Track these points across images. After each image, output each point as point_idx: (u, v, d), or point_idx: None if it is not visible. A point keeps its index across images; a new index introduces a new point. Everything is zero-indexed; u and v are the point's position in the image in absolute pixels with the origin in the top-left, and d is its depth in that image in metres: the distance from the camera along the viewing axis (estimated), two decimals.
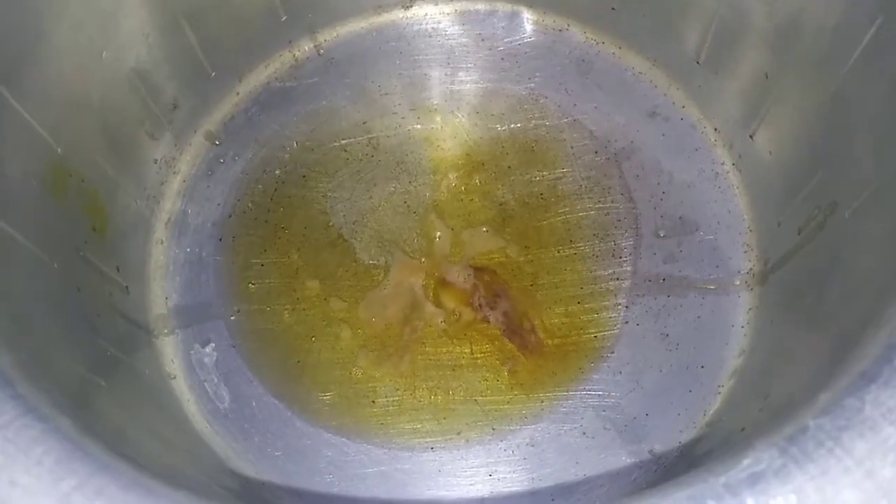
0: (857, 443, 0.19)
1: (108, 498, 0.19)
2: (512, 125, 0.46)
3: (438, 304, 0.41)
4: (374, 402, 0.39)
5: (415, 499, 0.37)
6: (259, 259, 0.43)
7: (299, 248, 0.43)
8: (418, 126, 0.46)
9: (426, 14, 0.48)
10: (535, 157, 0.45)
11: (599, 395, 0.39)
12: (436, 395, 0.40)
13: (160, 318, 0.41)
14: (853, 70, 0.32)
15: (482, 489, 0.38)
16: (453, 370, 0.40)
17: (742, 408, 0.36)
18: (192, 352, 0.40)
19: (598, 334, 0.40)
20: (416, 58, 0.47)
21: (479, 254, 0.43)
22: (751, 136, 0.42)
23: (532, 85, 0.46)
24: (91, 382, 0.28)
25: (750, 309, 0.40)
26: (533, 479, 0.38)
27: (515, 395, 0.39)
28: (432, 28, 0.48)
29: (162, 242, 0.43)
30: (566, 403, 0.39)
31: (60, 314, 0.30)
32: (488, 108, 0.46)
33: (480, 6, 0.48)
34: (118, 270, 0.38)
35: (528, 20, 0.48)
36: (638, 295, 0.41)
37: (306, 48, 0.48)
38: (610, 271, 0.42)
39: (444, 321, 0.41)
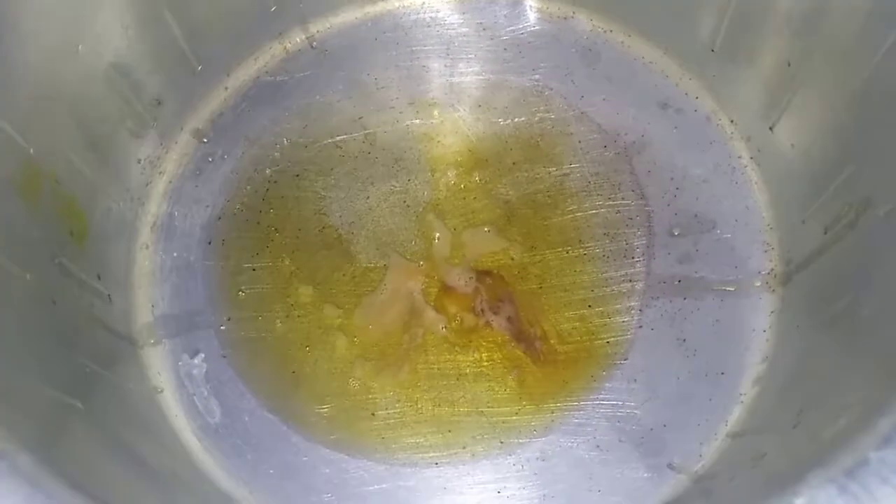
0: None
1: None
2: (516, 119, 0.44)
3: (439, 309, 0.39)
4: (374, 414, 0.38)
5: None
6: (250, 263, 0.41)
7: (293, 251, 0.41)
8: (417, 121, 0.44)
9: (424, 2, 0.46)
10: (540, 153, 0.43)
11: (613, 404, 0.37)
12: (439, 406, 0.38)
13: (145, 328, 0.39)
14: (888, 56, 0.30)
15: None
16: (457, 380, 0.38)
17: (769, 418, 0.34)
18: (180, 363, 0.39)
19: (611, 340, 0.39)
20: (414, 49, 0.45)
21: (481, 255, 0.41)
22: (771, 128, 0.39)
23: (536, 76, 0.44)
24: (65, 406, 0.26)
25: (772, 312, 0.38)
26: (544, 496, 0.36)
27: (524, 405, 0.37)
28: (431, 17, 0.46)
29: (147, 247, 0.41)
30: (578, 414, 0.37)
31: (32, 331, 0.28)
32: (490, 102, 0.44)
33: None
34: (99, 278, 0.36)
35: (532, 8, 0.46)
36: (652, 298, 0.39)
37: (298, 40, 0.46)
38: (622, 273, 0.40)
39: (446, 327, 0.39)
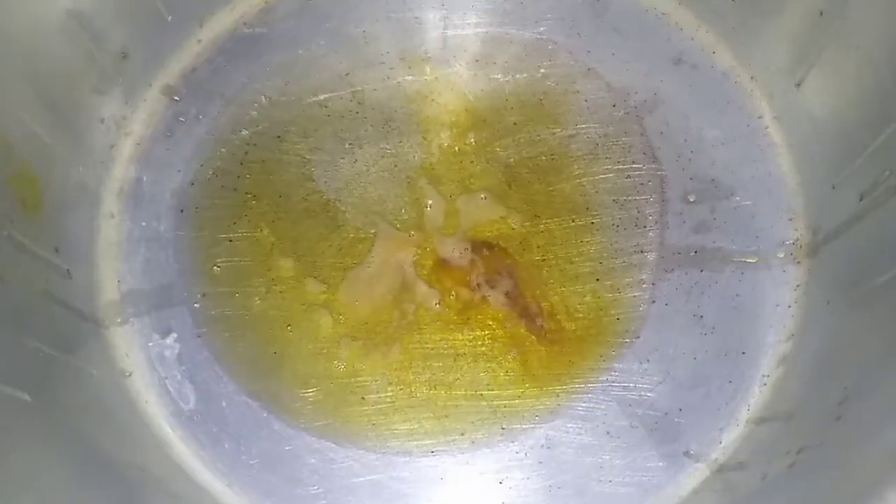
0: None
1: None
2: (517, 76, 0.41)
3: (431, 283, 0.37)
4: (363, 398, 0.36)
5: None
6: (227, 234, 0.38)
7: (273, 220, 0.39)
8: (409, 78, 0.41)
9: None
10: (543, 113, 0.41)
11: (624, 387, 0.36)
12: (435, 389, 0.36)
13: (111, 306, 0.36)
14: None
15: (492, 500, 0.34)
16: (454, 360, 0.36)
17: (801, 405, 0.31)
18: (150, 344, 0.37)
19: (621, 316, 0.37)
20: None
21: (478, 225, 0.39)
22: (797, 86, 0.37)
23: (540, 29, 0.42)
24: (9, 400, 0.23)
25: (798, 286, 0.36)
26: (550, 486, 0.34)
27: (527, 388, 0.36)
28: None
29: (112, 216, 0.38)
30: (586, 398, 0.36)
31: None
32: (489, 57, 0.42)
33: None
34: (56, 252, 0.34)
35: None
36: (666, 270, 0.38)
37: None
38: (633, 243, 0.38)
39: (440, 303, 0.37)
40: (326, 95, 0.41)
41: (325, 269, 0.38)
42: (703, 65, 0.41)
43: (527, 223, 0.38)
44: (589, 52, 0.41)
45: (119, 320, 0.36)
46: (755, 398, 0.34)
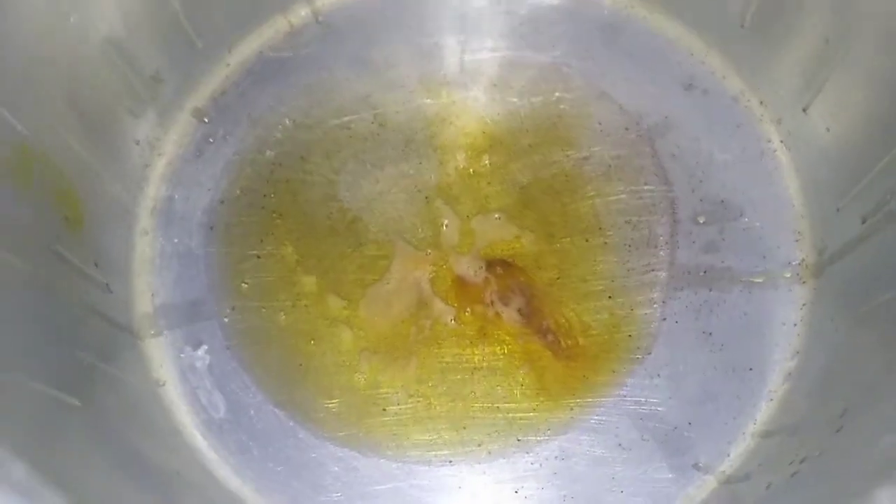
0: None
1: None
2: (532, 99, 0.42)
3: (447, 300, 0.38)
4: (384, 410, 0.36)
5: None
6: (254, 250, 0.39)
7: (297, 238, 0.40)
8: (428, 101, 0.42)
9: None
10: (558, 135, 0.41)
11: (636, 401, 0.36)
12: (453, 402, 0.37)
13: (146, 318, 0.37)
14: None
15: None
16: (471, 374, 0.37)
17: (804, 418, 0.32)
18: (182, 355, 0.37)
19: (633, 333, 0.37)
20: (426, 24, 0.44)
21: (492, 244, 0.39)
22: (804, 110, 0.38)
23: (555, 54, 0.43)
24: (62, 405, 0.25)
25: (804, 305, 0.37)
26: (564, 496, 0.35)
27: (541, 401, 0.36)
28: None
29: (146, 233, 0.39)
30: (599, 411, 0.36)
31: (24, 324, 0.26)
32: (506, 81, 0.43)
33: None
34: (97, 266, 0.35)
35: None
36: (676, 289, 0.38)
37: (303, 13, 0.44)
38: (644, 262, 0.39)
39: (455, 319, 0.38)
40: (349, 118, 0.42)
41: (347, 285, 0.38)
42: (714, 89, 0.41)
43: (541, 242, 0.39)
44: (602, 76, 0.42)
45: (153, 332, 0.37)
46: (761, 413, 0.35)
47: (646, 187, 0.40)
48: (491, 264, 0.38)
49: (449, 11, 0.44)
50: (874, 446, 0.22)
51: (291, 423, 0.36)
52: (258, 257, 0.39)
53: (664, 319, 0.37)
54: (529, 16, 0.43)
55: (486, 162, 0.41)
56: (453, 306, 0.38)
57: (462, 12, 0.43)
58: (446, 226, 0.39)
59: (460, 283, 0.38)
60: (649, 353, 0.37)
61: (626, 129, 0.41)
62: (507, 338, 0.37)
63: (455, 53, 0.43)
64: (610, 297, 0.38)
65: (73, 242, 0.33)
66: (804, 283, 0.37)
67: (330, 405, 0.36)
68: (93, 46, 0.34)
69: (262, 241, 0.39)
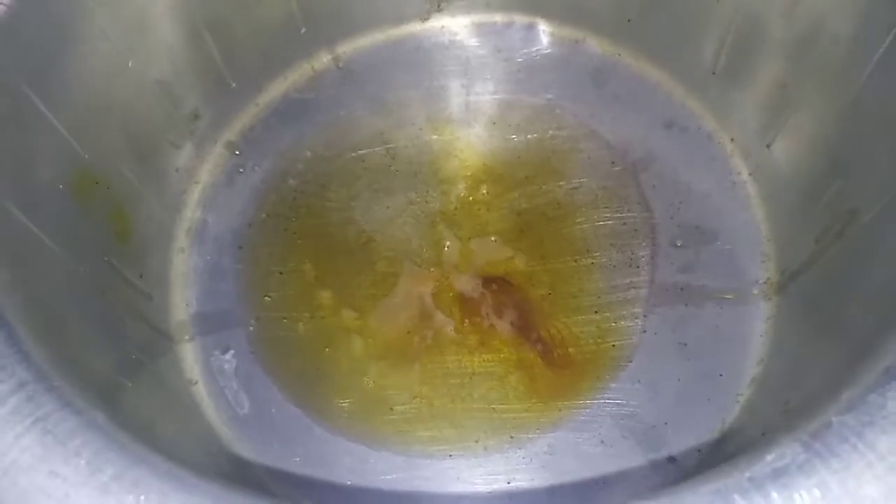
0: (880, 438, 0.19)
1: (144, 488, 0.19)
2: (528, 136, 0.46)
3: (447, 313, 0.42)
4: (392, 409, 0.39)
5: None
6: (277, 268, 0.43)
7: (316, 257, 0.43)
8: (435, 137, 0.46)
9: (443, 26, 0.49)
10: (551, 168, 0.45)
11: (618, 404, 0.39)
12: (454, 402, 0.40)
13: (181, 325, 0.41)
14: (872, 77, 0.32)
15: (501, 497, 0.38)
16: (470, 378, 0.40)
17: (762, 415, 0.36)
18: (212, 358, 0.41)
19: (617, 344, 0.40)
20: (434, 69, 0.48)
21: (488, 263, 0.43)
22: (768, 146, 0.42)
23: (549, 96, 0.47)
24: (118, 383, 0.29)
25: (768, 318, 0.40)
26: (552, 487, 0.38)
27: (533, 403, 0.39)
28: (449, 40, 0.49)
29: (183, 251, 0.43)
30: (585, 412, 0.39)
31: (88, 317, 0.31)
32: (505, 119, 0.47)
33: (497, 18, 0.49)
34: (141, 277, 0.39)
35: (545, 32, 0.49)
36: (655, 304, 0.41)
37: (325, 60, 0.48)
38: (627, 281, 0.42)
39: (455, 330, 0.41)
40: (364, 151, 0.46)
41: (359, 299, 0.42)
42: (691, 128, 0.45)
43: (534, 262, 0.42)
44: (591, 116, 0.46)
45: (187, 337, 0.40)
46: (730, 414, 0.38)
47: (629, 214, 0.43)
48: (487, 281, 0.42)
49: (454, 59, 0.48)
50: (791, 412, 0.25)
51: (308, 420, 0.39)
52: (281, 273, 0.43)
53: (644, 331, 0.40)
54: (525, 62, 0.48)
55: (485, 191, 0.45)
56: (453, 318, 0.41)
57: (466, 59, 0.48)
58: (448, 247, 0.43)
59: (460, 298, 0.42)
60: (630, 362, 0.40)
61: (613, 162, 0.45)
62: (502, 347, 0.40)
63: (459, 95, 0.47)
64: (596, 311, 0.41)
65: (122, 255, 0.37)
66: (769, 299, 0.40)
67: (343, 404, 0.39)
68: (145, 87, 0.39)
69: (284, 259, 0.43)
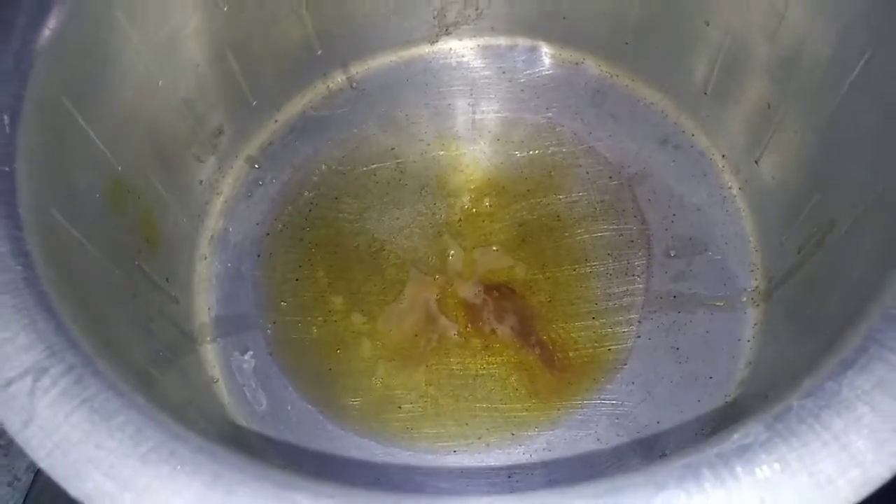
0: (834, 420, 0.22)
1: (179, 459, 0.22)
2: (531, 152, 0.49)
3: (451, 318, 0.44)
4: (400, 408, 0.42)
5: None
6: (294, 274, 0.46)
7: (329, 265, 0.46)
8: (443, 152, 0.49)
9: (451, 48, 0.52)
10: (552, 182, 0.48)
11: (613, 404, 0.41)
12: (458, 402, 0.42)
13: (203, 327, 0.44)
14: (847, 97, 0.35)
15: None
16: (473, 379, 0.42)
17: (748, 414, 0.38)
18: (232, 359, 0.43)
19: (613, 348, 0.43)
20: (442, 89, 0.51)
21: (489, 271, 0.45)
22: (756, 162, 0.44)
23: (550, 114, 0.50)
24: (150, 374, 0.31)
25: (755, 324, 0.42)
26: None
27: (533, 403, 0.42)
28: (456, 62, 0.52)
29: (205, 258, 0.46)
30: (582, 412, 0.41)
31: (124, 314, 0.33)
32: (509, 136, 0.49)
33: (502, 41, 0.52)
34: (168, 281, 0.41)
35: (547, 54, 0.51)
36: (650, 311, 0.43)
37: (339, 80, 0.51)
38: (623, 289, 0.44)
39: (458, 334, 0.43)
40: (375, 166, 0.49)
41: (368, 304, 0.44)
42: (684, 145, 0.48)
43: (535, 271, 0.45)
44: (590, 133, 0.49)
45: (209, 339, 0.43)
46: (719, 413, 0.40)
47: (626, 226, 0.46)
48: (489, 288, 0.44)
49: (461, 79, 0.51)
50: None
51: (321, 417, 0.41)
52: (296, 280, 0.45)
53: (639, 336, 0.43)
54: (528, 83, 0.51)
55: (488, 203, 0.47)
56: (457, 323, 0.44)
57: (472, 80, 0.51)
58: (452, 256, 0.45)
59: (463, 303, 0.44)
60: (626, 365, 0.42)
61: (610, 177, 0.47)
62: (504, 350, 0.43)
63: (465, 114, 0.50)
64: (594, 317, 0.43)
65: (151, 259, 0.40)
66: (757, 305, 0.43)
67: (354, 403, 0.42)
68: (173, 105, 0.42)
69: (300, 266, 0.46)
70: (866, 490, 0.21)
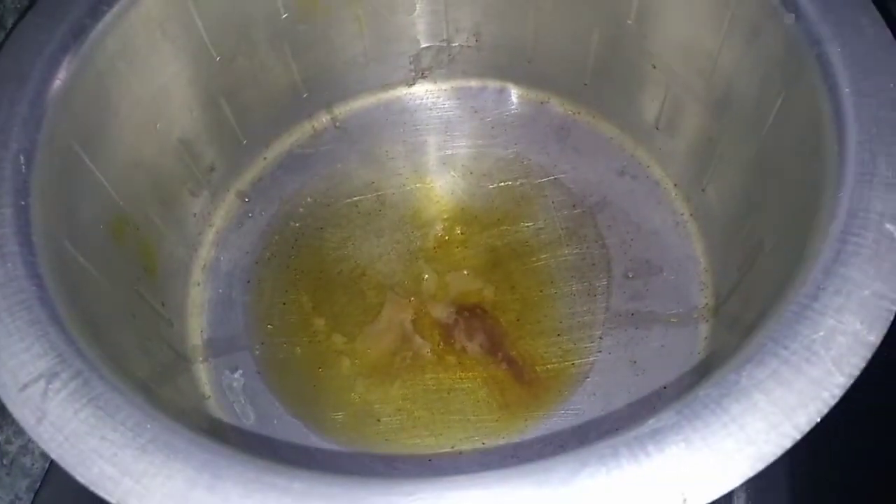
0: (733, 405, 0.25)
1: (173, 448, 0.25)
2: (500, 183, 0.52)
3: (424, 336, 0.47)
4: (379, 421, 0.44)
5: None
6: (280, 299, 0.49)
7: (313, 290, 0.49)
8: (419, 185, 0.53)
9: (426, 90, 0.56)
10: (520, 211, 0.51)
11: (576, 414, 0.44)
12: (433, 414, 0.45)
13: (196, 348, 0.47)
14: (769, 132, 0.39)
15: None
16: (447, 393, 0.45)
17: None
18: (222, 377, 0.46)
19: (577, 362, 0.45)
20: (418, 127, 0.55)
21: (461, 294, 0.48)
22: (703, 190, 0.48)
23: (518, 149, 0.53)
24: (149, 387, 0.35)
25: (706, 337, 0.45)
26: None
27: (502, 414, 0.44)
28: (431, 102, 0.56)
29: (198, 284, 0.49)
30: (547, 422, 0.44)
31: (124, 333, 0.37)
32: (479, 169, 0.53)
33: (473, 83, 0.56)
34: (164, 305, 0.45)
35: (514, 94, 0.55)
36: (610, 328, 0.46)
37: (324, 120, 0.55)
38: (586, 308, 0.47)
39: (431, 351, 0.46)
40: (357, 198, 0.52)
41: (349, 325, 0.47)
42: (640, 175, 0.51)
43: (504, 293, 0.48)
44: (554, 166, 0.52)
45: (201, 359, 0.46)
46: None
47: (588, 250, 0.49)
48: (461, 309, 0.48)
49: (436, 118, 0.55)
50: None
51: (306, 430, 0.44)
52: (283, 304, 0.48)
53: (600, 351, 0.45)
54: (497, 121, 0.54)
55: (459, 231, 0.50)
56: (430, 342, 0.47)
57: (446, 118, 0.55)
58: (426, 280, 0.49)
59: (436, 323, 0.47)
60: (588, 378, 0.45)
61: (574, 206, 0.51)
62: (475, 365, 0.46)
63: (440, 149, 0.54)
64: (559, 334, 0.46)
65: (149, 285, 0.43)
66: (707, 321, 0.46)
67: (336, 417, 0.44)
68: (170, 146, 0.46)
69: (286, 291, 0.49)
70: (760, 465, 0.24)
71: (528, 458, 0.42)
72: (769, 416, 0.25)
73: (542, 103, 0.55)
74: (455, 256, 0.50)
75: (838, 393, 0.25)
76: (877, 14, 0.34)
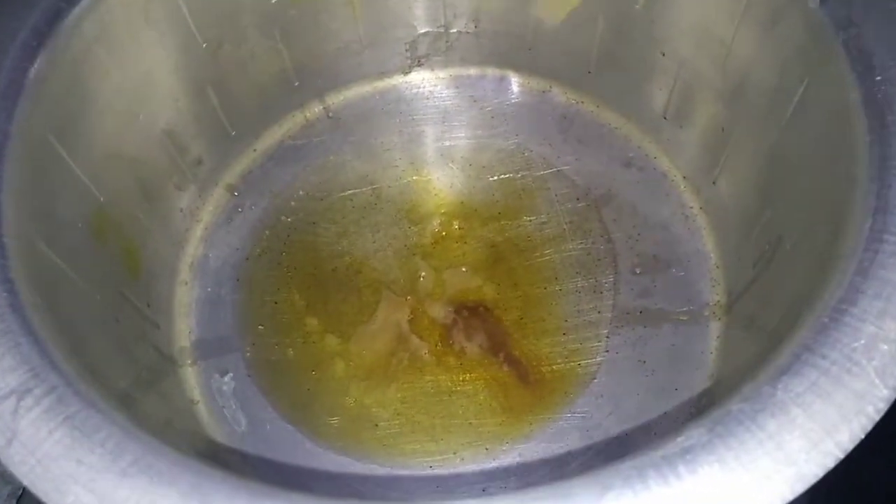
0: (769, 421, 0.23)
1: (157, 471, 0.23)
2: (501, 176, 0.50)
3: (422, 337, 0.45)
4: (376, 426, 0.43)
5: None
6: (272, 298, 0.47)
7: (307, 288, 0.47)
8: (416, 177, 0.51)
9: (423, 78, 0.54)
10: (522, 204, 0.49)
11: (583, 417, 0.42)
12: (433, 419, 0.43)
13: (183, 351, 0.45)
14: (790, 122, 0.37)
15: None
16: (448, 396, 0.44)
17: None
18: (212, 381, 0.44)
19: (583, 362, 0.44)
20: (415, 117, 0.53)
21: (459, 292, 0.46)
22: (714, 183, 0.46)
23: (519, 140, 0.51)
24: (131, 396, 0.33)
25: (718, 336, 0.44)
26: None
27: (505, 417, 0.43)
28: (429, 91, 0.54)
29: (186, 283, 0.47)
30: (553, 425, 0.42)
31: (105, 339, 0.35)
32: (479, 161, 0.51)
33: (472, 71, 0.54)
34: (149, 307, 0.43)
35: (515, 83, 0.53)
36: (617, 326, 0.45)
37: (316, 110, 0.53)
38: (592, 305, 0.45)
39: (429, 352, 0.45)
40: (351, 191, 0.50)
41: (342, 325, 0.45)
42: (647, 167, 0.50)
43: (506, 290, 0.46)
44: (557, 157, 0.50)
45: (189, 362, 0.44)
46: (684, 425, 0.42)
47: (593, 245, 0.47)
48: (459, 308, 0.46)
49: (433, 108, 0.53)
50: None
51: (300, 436, 0.42)
52: (274, 303, 0.47)
53: (607, 351, 0.44)
54: (497, 110, 0.52)
55: (457, 226, 0.49)
56: (427, 342, 0.45)
57: (443, 108, 0.53)
58: (423, 277, 0.47)
59: (434, 323, 0.45)
60: (595, 378, 0.43)
61: (578, 199, 0.49)
62: (476, 367, 0.44)
63: (438, 140, 0.52)
64: (564, 333, 0.45)
65: (133, 287, 0.41)
66: (719, 319, 0.44)
67: (331, 421, 0.43)
68: (153, 137, 0.44)
69: (278, 290, 0.47)
70: (801, 486, 0.22)
71: (534, 464, 0.42)
72: (809, 433, 0.23)
73: (544, 92, 0.53)
74: (454, 252, 0.48)
75: (883, 407, 0.23)
76: None
